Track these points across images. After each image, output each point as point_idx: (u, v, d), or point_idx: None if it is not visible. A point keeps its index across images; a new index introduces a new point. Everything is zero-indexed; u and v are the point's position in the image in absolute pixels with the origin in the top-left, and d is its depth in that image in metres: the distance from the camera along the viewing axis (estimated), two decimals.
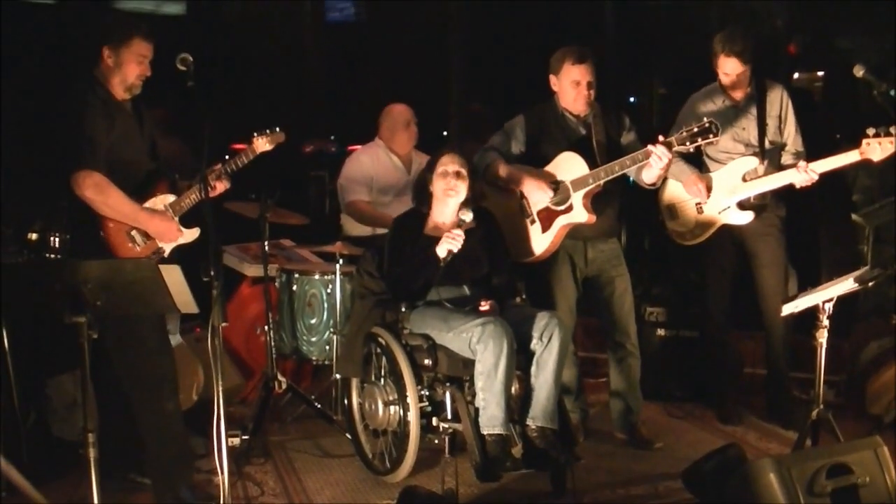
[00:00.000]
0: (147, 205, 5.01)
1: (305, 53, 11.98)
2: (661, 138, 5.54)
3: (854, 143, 5.72)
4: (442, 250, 5.35)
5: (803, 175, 5.85)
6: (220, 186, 5.18)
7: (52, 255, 5.38)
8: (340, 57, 12.15)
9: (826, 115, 9.35)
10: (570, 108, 5.94)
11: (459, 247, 5.34)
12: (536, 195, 5.85)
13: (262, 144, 5.32)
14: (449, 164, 5.58)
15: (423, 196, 5.68)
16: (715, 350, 6.62)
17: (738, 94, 6.23)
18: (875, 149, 5.59)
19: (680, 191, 6.31)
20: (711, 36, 6.26)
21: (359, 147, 7.48)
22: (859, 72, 5.59)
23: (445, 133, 11.10)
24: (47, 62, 8.53)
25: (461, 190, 5.57)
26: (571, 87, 5.88)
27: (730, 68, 6.13)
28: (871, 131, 5.58)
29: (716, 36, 6.21)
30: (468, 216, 5.45)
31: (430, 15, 11.91)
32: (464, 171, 5.58)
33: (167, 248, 5.07)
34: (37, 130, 6.63)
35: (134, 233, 4.97)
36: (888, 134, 5.55)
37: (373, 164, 7.04)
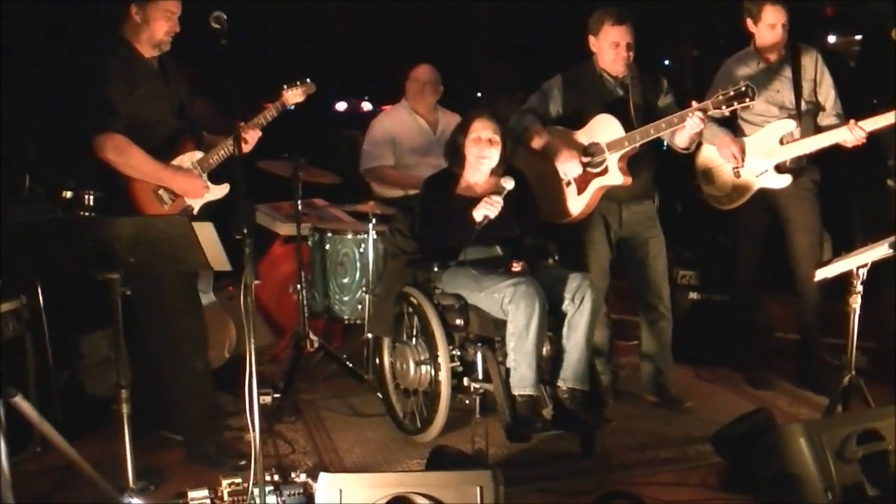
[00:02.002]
0: (174, 163, 5.01)
1: (336, 14, 11.95)
2: (693, 104, 5.50)
3: (887, 109, 5.67)
4: (479, 214, 5.35)
5: (854, 133, 5.79)
6: (252, 136, 5.17)
7: (86, 213, 5.39)
8: (369, 18, 12.10)
9: (862, 78, 9.26)
10: (608, 69, 5.90)
11: (497, 212, 5.34)
12: (570, 170, 5.83)
13: (294, 96, 5.32)
14: (482, 129, 5.56)
15: (455, 157, 5.67)
16: (743, 314, 6.59)
17: (773, 57, 6.19)
18: None
19: (716, 155, 6.27)
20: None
21: (389, 107, 7.47)
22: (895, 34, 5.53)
23: (479, 94, 11.06)
24: (76, 21, 8.52)
25: (494, 156, 5.56)
26: (611, 48, 5.84)
27: (775, 17, 6.07)
28: None
29: None
30: (510, 183, 5.44)
31: None
32: (497, 137, 5.57)
33: (196, 206, 5.07)
34: (59, 97, 6.64)
35: (161, 192, 4.97)
36: None
37: (395, 126, 7.04)
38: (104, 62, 4.90)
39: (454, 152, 5.67)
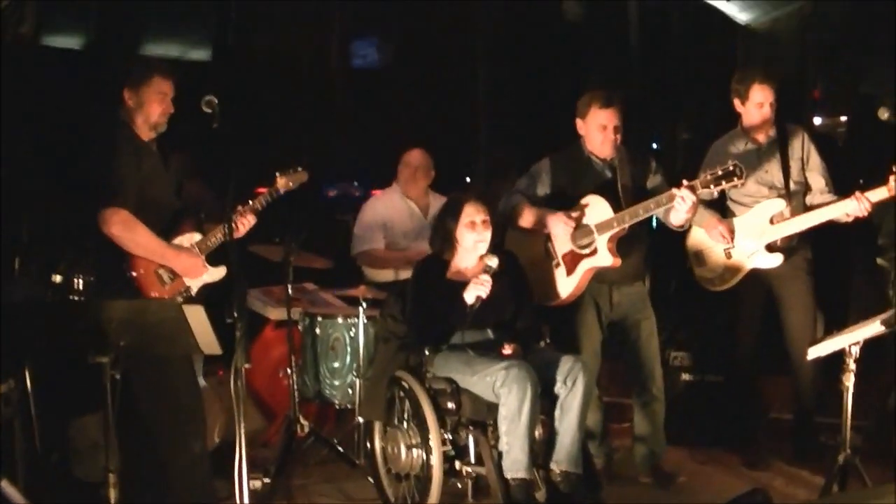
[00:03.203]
0: (174, 243, 5.04)
1: (331, 98, 12.04)
2: (685, 182, 5.53)
3: (877, 186, 5.71)
4: (470, 296, 5.34)
5: (861, 203, 5.80)
6: (246, 223, 5.22)
7: (76, 297, 5.38)
8: (365, 102, 12.20)
9: (849, 159, 9.33)
10: (596, 151, 5.94)
11: (488, 292, 5.33)
12: (560, 229, 5.84)
13: (286, 183, 5.37)
14: (475, 213, 5.55)
15: (446, 243, 5.64)
16: (742, 394, 6.57)
17: (761, 137, 6.24)
18: None
19: (705, 237, 6.29)
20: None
21: (380, 192, 7.51)
22: (884, 114, 5.58)
23: (469, 179, 11.12)
24: (75, 107, 8.60)
25: (489, 238, 5.56)
26: (598, 131, 5.88)
27: (763, 96, 6.15)
28: None
29: (735, 75, 6.25)
30: (494, 261, 5.44)
31: (454, 60, 11.96)
32: (488, 218, 5.58)
33: (194, 287, 5.09)
34: (62, 172, 6.66)
35: (161, 271, 5.00)
36: None
37: (387, 211, 7.09)
38: (113, 137, 4.95)
39: (445, 238, 5.64)
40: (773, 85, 6.15)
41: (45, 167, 7.41)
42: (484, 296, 5.33)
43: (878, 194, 5.78)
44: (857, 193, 5.83)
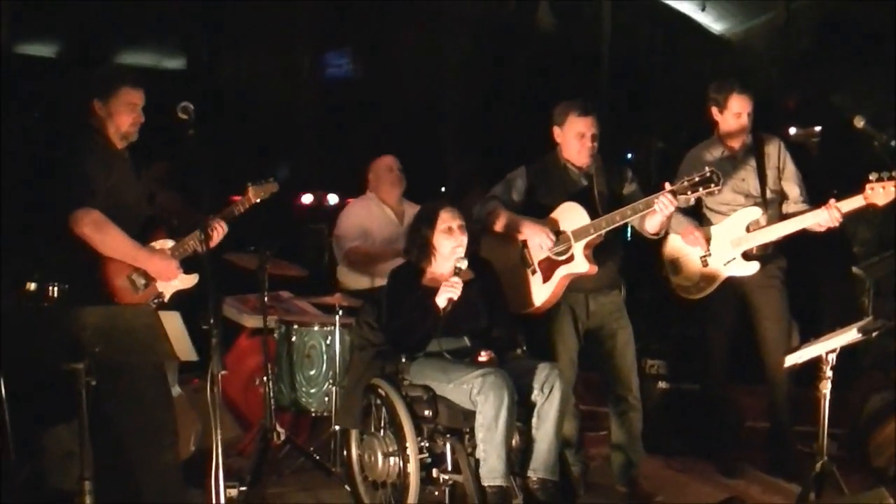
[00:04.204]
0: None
1: (304, 108, 12.03)
2: (667, 185, 5.53)
3: (853, 195, 5.73)
4: (442, 300, 5.34)
5: (832, 214, 5.82)
6: (219, 231, 5.19)
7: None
8: (338, 112, 12.20)
9: (823, 169, 9.39)
10: (573, 159, 5.93)
11: (458, 294, 5.32)
12: (537, 238, 5.82)
13: (258, 194, 5.36)
14: (451, 220, 5.55)
15: (422, 251, 5.62)
16: (715, 404, 6.58)
17: (736, 145, 6.27)
18: (879, 193, 5.60)
19: (682, 244, 6.30)
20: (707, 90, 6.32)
21: (353, 200, 7.50)
22: (859, 123, 5.60)
23: (444, 189, 11.12)
24: (45, 116, 8.56)
25: (465, 242, 5.55)
26: (576, 139, 5.88)
27: (740, 106, 6.19)
28: (873, 176, 5.59)
29: (713, 85, 6.27)
30: (464, 263, 5.44)
31: (425, 71, 11.98)
32: (464, 223, 5.57)
33: (167, 293, 5.05)
34: (34, 182, 6.62)
35: (134, 276, 4.96)
36: (891, 178, 5.55)
37: (367, 217, 7.08)
38: (83, 143, 4.93)
39: (422, 246, 5.62)
40: (750, 95, 6.18)
41: (16, 174, 7.37)
42: (455, 297, 5.33)
43: (851, 203, 5.79)
44: (831, 202, 5.85)
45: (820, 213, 5.88)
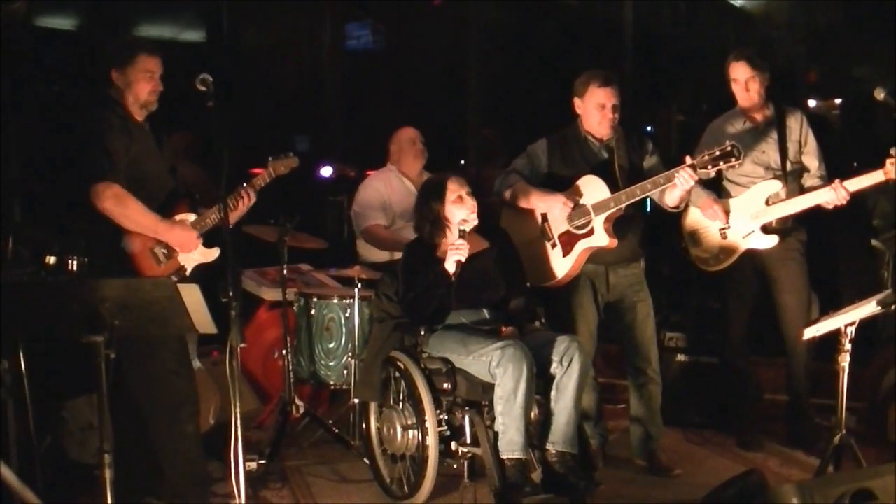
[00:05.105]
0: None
1: (324, 80, 12.00)
2: (687, 159, 5.51)
3: (873, 169, 5.70)
4: (450, 264, 5.34)
5: (839, 193, 5.81)
6: (247, 199, 5.20)
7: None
8: (359, 84, 12.16)
9: (843, 142, 9.33)
10: (593, 131, 5.91)
11: (466, 255, 5.33)
12: (556, 210, 5.82)
13: (278, 168, 5.35)
14: (459, 188, 5.53)
15: (436, 226, 5.59)
16: (735, 376, 6.57)
17: (758, 117, 6.23)
18: None
19: (702, 217, 6.27)
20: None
21: (374, 172, 7.47)
22: (880, 94, 5.56)
23: (463, 161, 11.09)
24: (65, 89, 8.57)
25: (475, 206, 5.55)
26: (596, 110, 5.86)
27: (738, 73, 6.17)
28: (894, 151, 5.55)
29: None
30: (468, 225, 5.45)
31: (447, 43, 11.94)
32: (470, 189, 5.58)
33: (189, 266, 5.06)
34: (55, 154, 6.64)
35: (157, 249, 4.97)
36: None
37: (387, 189, 7.02)
38: (103, 115, 4.94)
39: (434, 221, 5.58)
40: (750, 62, 6.14)
41: (37, 148, 7.40)
42: (463, 259, 5.32)
43: (863, 181, 5.77)
44: (836, 182, 5.83)
45: (826, 192, 5.87)
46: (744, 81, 6.17)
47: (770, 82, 6.23)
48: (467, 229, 5.42)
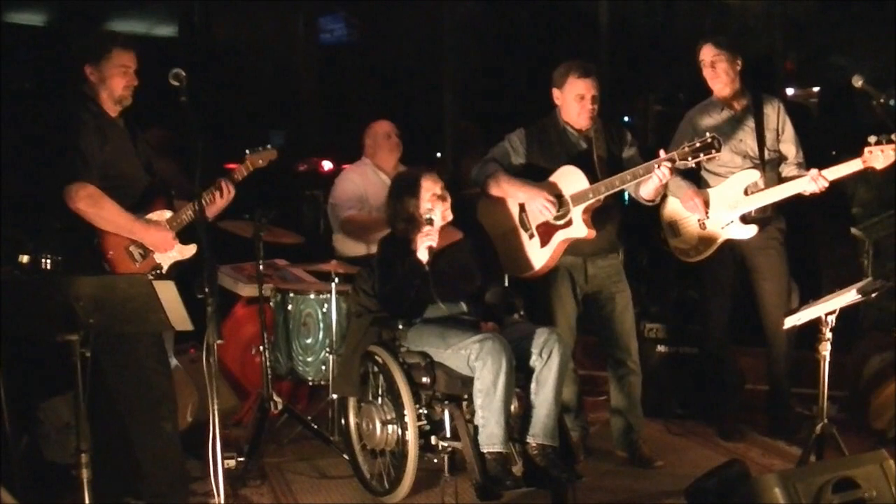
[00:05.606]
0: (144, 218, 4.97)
1: (298, 74, 11.97)
2: (662, 153, 5.49)
3: (851, 158, 5.70)
4: (422, 252, 5.31)
5: (818, 183, 5.80)
6: (226, 192, 5.15)
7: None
8: (333, 77, 12.14)
9: (822, 130, 9.35)
10: (572, 122, 5.88)
11: (436, 241, 5.31)
12: (536, 203, 5.78)
13: (255, 161, 5.30)
14: (434, 186, 5.50)
15: (411, 224, 5.52)
16: (715, 366, 6.56)
17: (736, 106, 6.22)
18: (878, 157, 5.56)
19: (681, 207, 6.26)
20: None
21: (349, 166, 7.43)
22: (858, 82, 5.55)
23: (440, 154, 11.07)
24: (36, 85, 8.52)
25: (449, 201, 5.53)
26: (575, 101, 5.83)
27: (705, 55, 6.19)
28: (872, 139, 5.56)
29: None
30: (433, 213, 5.41)
31: (421, 35, 11.92)
32: (443, 183, 5.57)
33: (165, 264, 5.02)
34: (28, 153, 6.57)
35: (132, 248, 4.92)
36: (890, 141, 5.52)
37: (363, 182, 6.99)
38: (77, 114, 4.88)
39: (408, 219, 5.53)
40: (714, 43, 6.17)
41: (9, 147, 7.33)
42: (434, 245, 5.30)
43: (841, 170, 5.76)
44: (814, 171, 5.82)
45: (804, 181, 5.86)
46: (710, 62, 6.17)
47: (744, 68, 6.22)
48: (434, 218, 5.39)
